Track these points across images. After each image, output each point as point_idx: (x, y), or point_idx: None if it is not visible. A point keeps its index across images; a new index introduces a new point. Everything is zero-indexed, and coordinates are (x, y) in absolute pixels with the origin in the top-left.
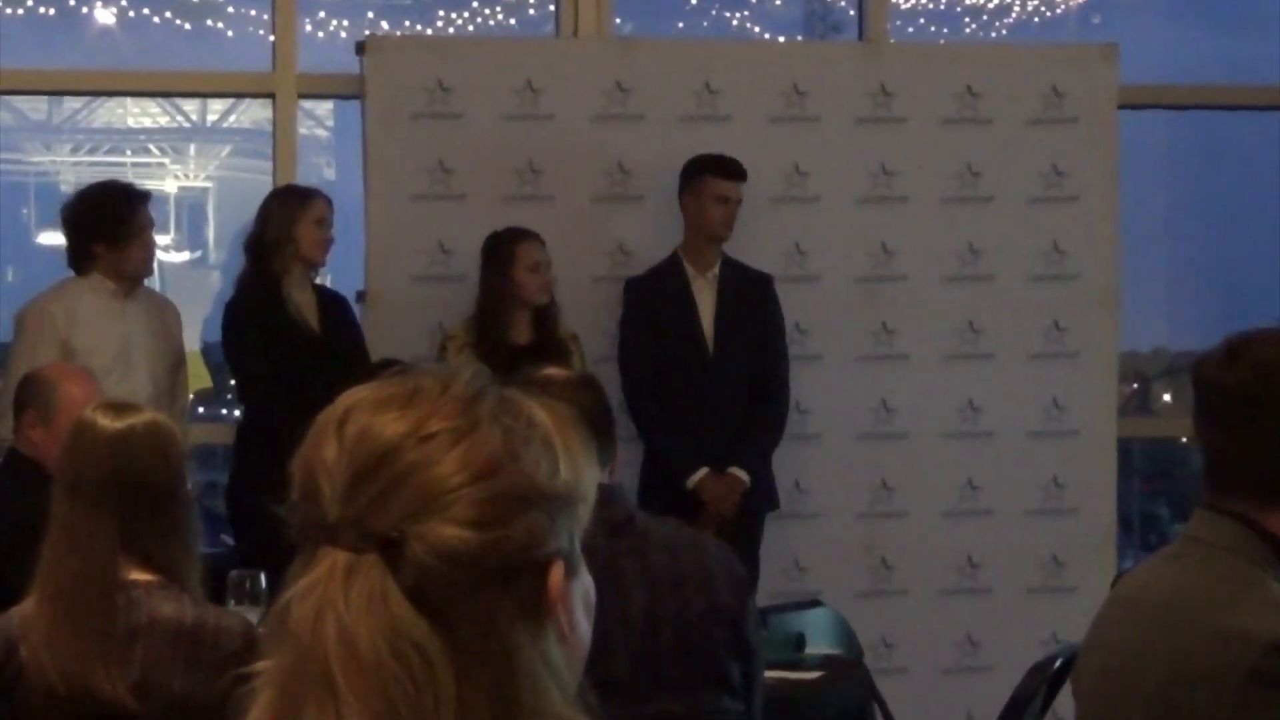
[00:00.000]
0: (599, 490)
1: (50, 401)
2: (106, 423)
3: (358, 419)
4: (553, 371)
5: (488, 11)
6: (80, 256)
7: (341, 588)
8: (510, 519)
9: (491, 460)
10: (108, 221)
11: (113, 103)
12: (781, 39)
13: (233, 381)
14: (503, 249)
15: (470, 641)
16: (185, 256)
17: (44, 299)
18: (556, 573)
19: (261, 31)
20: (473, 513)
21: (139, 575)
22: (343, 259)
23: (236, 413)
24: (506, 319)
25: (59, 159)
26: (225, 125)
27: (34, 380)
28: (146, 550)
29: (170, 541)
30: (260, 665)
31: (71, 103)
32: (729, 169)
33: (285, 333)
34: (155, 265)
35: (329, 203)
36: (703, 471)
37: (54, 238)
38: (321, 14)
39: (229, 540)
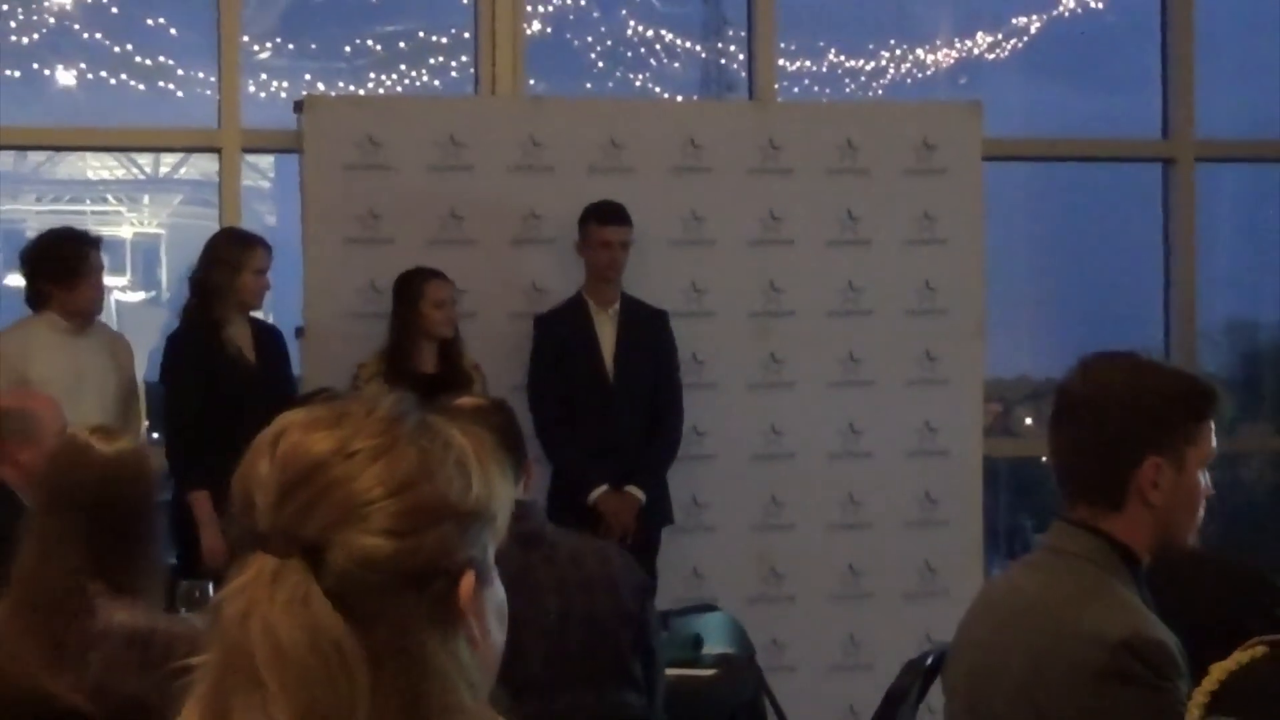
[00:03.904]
0: (513, 505)
1: (29, 427)
2: (101, 447)
3: (290, 437)
4: (462, 400)
5: (414, 73)
6: (36, 296)
7: (268, 589)
8: (423, 530)
9: (407, 476)
10: (59, 264)
11: (74, 156)
12: (679, 98)
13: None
14: (411, 286)
15: (385, 641)
16: (140, 296)
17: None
18: (468, 581)
19: (209, 92)
20: (388, 523)
21: (99, 586)
22: (283, 297)
23: None
24: (414, 350)
25: (24, 208)
26: (176, 177)
27: (7, 414)
28: (110, 565)
29: (135, 558)
30: (197, 660)
31: (35, 157)
32: (609, 216)
33: (224, 368)
34: (111, 304)
35: (269, 250)
36: (602, 489)
37: (16, 279)
38: (263, 75)
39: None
